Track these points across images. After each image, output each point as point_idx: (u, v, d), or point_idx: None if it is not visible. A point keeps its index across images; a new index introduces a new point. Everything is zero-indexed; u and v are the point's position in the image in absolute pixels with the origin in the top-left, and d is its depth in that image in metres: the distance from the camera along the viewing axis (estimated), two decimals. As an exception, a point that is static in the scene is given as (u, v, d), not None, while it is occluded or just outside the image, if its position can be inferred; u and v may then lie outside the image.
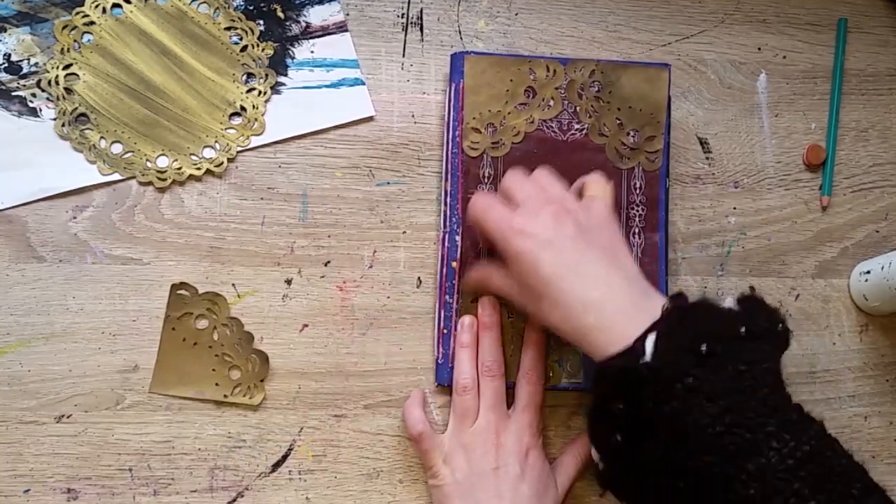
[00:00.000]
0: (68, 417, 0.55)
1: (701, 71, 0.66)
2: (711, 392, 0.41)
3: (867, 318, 0.65)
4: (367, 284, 0.60)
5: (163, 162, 0.59)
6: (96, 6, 0.59)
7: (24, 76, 0.58)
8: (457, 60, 0.61)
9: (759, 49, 0.67)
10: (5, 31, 0.58)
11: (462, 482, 0.54)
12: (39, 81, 0.58)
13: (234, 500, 0.56)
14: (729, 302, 0.47)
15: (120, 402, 0.56)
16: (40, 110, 0.58)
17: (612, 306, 0.47)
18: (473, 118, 0.60)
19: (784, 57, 0.67)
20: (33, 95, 0.58)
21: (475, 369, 0.57)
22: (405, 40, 0.63)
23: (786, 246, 0.65)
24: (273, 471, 0.57)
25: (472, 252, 0.59)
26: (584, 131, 0.61)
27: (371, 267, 0.60)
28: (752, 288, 0.47)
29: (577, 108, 0.61)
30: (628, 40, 0.65)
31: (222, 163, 0.59)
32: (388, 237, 0.61)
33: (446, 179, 0.60)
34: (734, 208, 0.65)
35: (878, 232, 0.66)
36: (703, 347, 0.42)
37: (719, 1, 0.67)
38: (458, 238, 0.59)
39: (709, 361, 0.42)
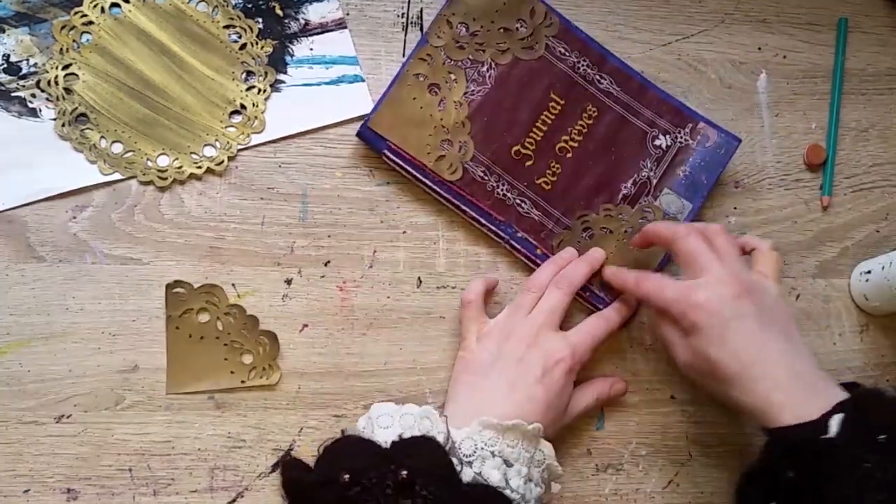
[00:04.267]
0: (68, 417, 0.55)
1: (701, 71, 0.66)
2: (883, 481, 0.43)
3: (867, 318, 0.65)
4: (367, 284, 0.60)
5: (163, 161, 0.59)
6: (95, 6, 0.59)
7: (24, 77, 0.58)
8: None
9: (760, 49, 0.67)
10: (4, 31, 0.58)
11: (483, 361, 0.55)
12: (39, 82, 0.58)
13: (234, 500, 0.56)
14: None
15: (119, 402, 0.56)
16: (40, 111, 0.58)
17: (798, 386, 0.49)
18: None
19: (784, 57, 0.67)
20: (33, 96, 0.58)
21: (550, 281, 0.58)
22: (405, 40, 0.63)
23: (786, 246, 0.65)
24: (273, 471, 0.57)
25: (534, 230, 0.61)
26: (499, 65, 0.62)
27: (371, 267, 0.60)
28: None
29: (475, 59, 0.62)
30: (628, 40, 0.65)
31: (223, 161, 0.59)
32: (388, 237, 0.60)
33: (463, 211, 0.60)
34: (734, 208, 0.65)
35: (878, 232, 0.66)
36: (882, 437, 0.45)
37: (719, 1, 0.67)
38: (513, 230, 0.61)
39: (887, 450, 0.44)
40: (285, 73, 0.61)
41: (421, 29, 0.63)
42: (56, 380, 0.55)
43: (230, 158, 0.59)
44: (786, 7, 0.68)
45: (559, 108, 0.62)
